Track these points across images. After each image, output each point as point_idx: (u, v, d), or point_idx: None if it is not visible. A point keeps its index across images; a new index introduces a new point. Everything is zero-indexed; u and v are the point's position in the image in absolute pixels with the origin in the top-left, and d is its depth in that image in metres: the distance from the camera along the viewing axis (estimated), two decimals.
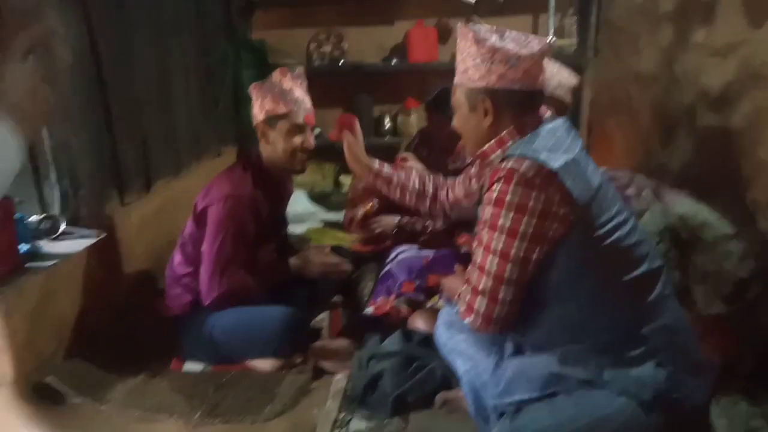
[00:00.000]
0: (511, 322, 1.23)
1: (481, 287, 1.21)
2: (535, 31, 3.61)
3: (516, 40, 1.25)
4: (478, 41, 1.22)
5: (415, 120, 3.61)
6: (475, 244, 1.26)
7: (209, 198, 1.80)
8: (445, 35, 3.69)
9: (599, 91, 3.10)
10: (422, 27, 3.57)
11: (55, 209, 1.99)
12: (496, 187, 1.17)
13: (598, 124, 3.13)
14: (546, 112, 1.33)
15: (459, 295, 1.30)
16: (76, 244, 1.92)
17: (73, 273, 1.90)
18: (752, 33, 1.67)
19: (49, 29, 0.71)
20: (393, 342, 1.65)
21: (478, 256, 1.22)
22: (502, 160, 1.21)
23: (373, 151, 3.42)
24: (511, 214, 1.15)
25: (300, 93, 1.86)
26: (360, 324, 1.95)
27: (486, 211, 1.20)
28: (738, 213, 1.66)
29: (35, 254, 1.80)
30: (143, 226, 2.33)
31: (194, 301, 1.82)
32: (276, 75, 1.86)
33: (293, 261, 1.94)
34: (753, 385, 1.48)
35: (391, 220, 2.39)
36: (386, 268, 2.17)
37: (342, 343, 1.87)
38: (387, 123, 3.62)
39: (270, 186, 1.91)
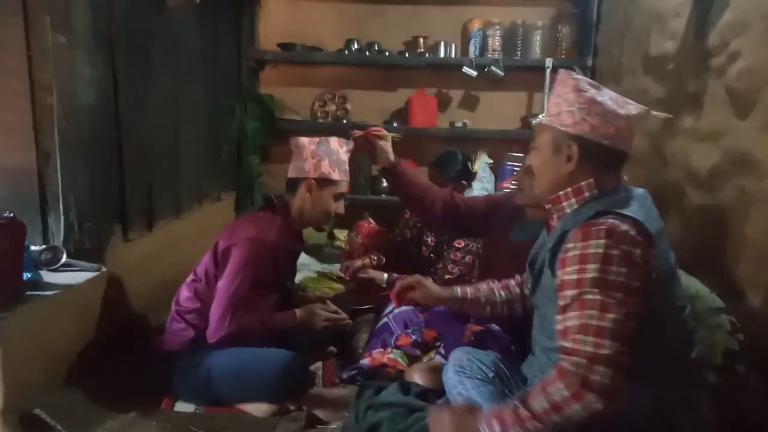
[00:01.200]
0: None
1: (605, 353, 1.06)
2: (529, 107, 3.83)
3: (614, 99, 1.26)
4: (579, 90, 1.24)
5: None
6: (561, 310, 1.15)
7: (235, 238, 1.85)
8: (444, 104, 3.88)
9: None
10: (424, 95, 3.75)
11: (58, 240, 2.01)
12: (597, 242, 1.11)
13: None
14: (625, 177, 1.31)
15: (550, 383, 1.10)
16: (76, 276, 1.93)
17: (71, 305, 1.89)
18: (736, 123, 1.82)
19: None
20: (391, 393, 1.66)
21: (593, 319, 1.08)
22: (597, 215, 1.17)
23: (370, 208, 3.56)
24: (624, 270, 1.09)
25: (347, 166, 2.01)
26: (355, 375, 1.95)
27: (587, 269, 1.11)
28: (725, 288, 1.75)
29: (36, 283, 1.80)
30: (143, 264, 2.35)
31: (196, 338, 1.82)
32: (334, 143, 1.99)
33: (300, 312, 1.96)
34: None
35: (379, 276, 2.44)
36: (383, 321, 2.20)
37: (339, 392, 1.87)
38: (384, 182, 3.73)
39: (292, 237, 2.00)
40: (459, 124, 3.73)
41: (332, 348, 2.18)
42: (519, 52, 3.68)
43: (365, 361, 1.98)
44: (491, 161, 3.71)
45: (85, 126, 2.00)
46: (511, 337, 1.88)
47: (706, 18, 2.05)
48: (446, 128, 3.74)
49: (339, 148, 1.97)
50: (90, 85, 2.02)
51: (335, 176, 1.95)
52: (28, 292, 1.74)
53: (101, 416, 1.71)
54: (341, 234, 3.78)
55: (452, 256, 2.55)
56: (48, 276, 1.86)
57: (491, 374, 1.54)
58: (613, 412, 1.06)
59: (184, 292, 1.92)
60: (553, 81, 3.43)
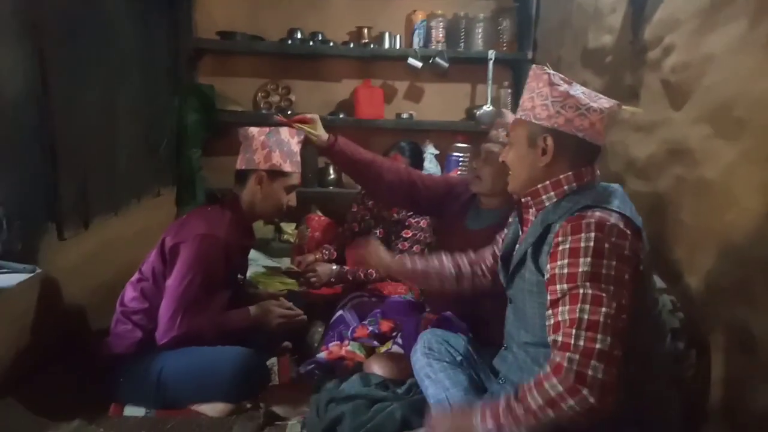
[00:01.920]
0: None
1: (599, 347, 1.06)
2: (473, 98, 3.90)
3: (586, 93, 1.29)
4: (552, 84, 1.26)
5: None
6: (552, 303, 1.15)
7: (184, 234, 1.77)
8: (390, 95, 3.89)
9: None
10: (369, 86, 3.74)
11: None
12: (587, 235, 1.12)
13: None
14: (598, 171, 1.33)
15: (545, 379, 1.09)
16: (6, 279, 1.79)
17: (2, 310, 1.76)
18: (671, 114, 1.93)
19: None
20: (352, 385, 1.65)
21: (584, 314, 1.09)
22: (584, 208, 1.17)
23: (317, 200, 3.52)
24: (614, 263, 1.10)
25: (299, 157, 1.97)
26: (313, 369, 1.93)
27: (578, 263, 1.11)
28: (665, 270, 1.85)
29: None
30: (80, 264, 2.22)
31: (143, 340, 1.74)
32: (285, 133, 1.93)
33: (254, 310, 1.92)
34: None
35: (327, 268, 2.43)
36: (338, 314, 2.19)
37: (296, 387, 1.85)
38: (332, 173, 3.69)
39: (242, 231, 1.94)
40: (405, 116, 3.74)
41: (287, 343, 2.15)
42: (462, 44, 3.73)
43: (322, 355, 1.96)
44: (437, 152, 3.75)
45: (10, 119, 1.85)
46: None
47: (641, 13, 2.15)
48: (392, 119, 3.74)
49: (290, 139, 1.92)
50: (15, 75, 1.87)
51: (287, 168, 1.90)
52: None
53: (40, 427, 1.61)
54: (288, 227, 3.71)
55: (400, 246, 2.57)
56: None
57: (459, 357, 1.56)
58: (608, 407, 1.06)
59: (130, 292, 1.83)
60: (494, 73, 3.55)
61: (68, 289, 2.10)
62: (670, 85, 1.93)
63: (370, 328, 2.02)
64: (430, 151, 3.74)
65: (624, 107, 1.33)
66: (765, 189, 1.46)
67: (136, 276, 1.86)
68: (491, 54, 3.56)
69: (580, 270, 1.11)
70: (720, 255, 1.64)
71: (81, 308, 2.17)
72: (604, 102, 1.28)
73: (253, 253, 3.39)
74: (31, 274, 1.86)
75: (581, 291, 1.10)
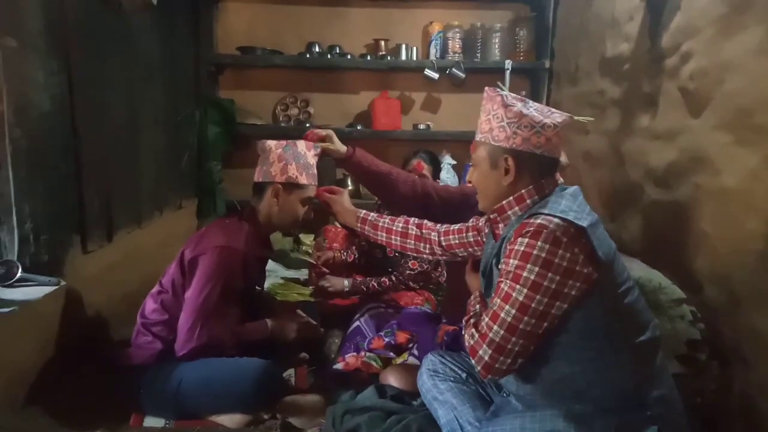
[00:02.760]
0: (511, 371, 1.26)
1: (490, 336, 1.23)
2: None
3: (540, 110, 1.33)
4: (506, 105, 1.30)
5: None
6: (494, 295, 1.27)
7: (203, 246, 1.80)
8: (407, 106, 3.91)
9: None
10: (387, 97, 3.77)
11: (12, 254, 1.92)
12: (523, 240, 1.20)
13: None
14: (560, 177, 1.39)
15: (469, 329, 1.31)
16: (33, 291, 1.85)
17: (28, 321, 1.80)
18: (690, 122, 1.90)
19: None
20: (367, 397, 1.66)
21: (494, 306, 1.24)
22: (530, 216, 1.25)
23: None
24: (537, 269, 1.18)
25: (315, 170, 1.98)
26: (330, 380, 1.93)
27: (509, 264, 1.22)
28: (686, 281, 1.82)
29: None
30: (104, 276, 2.27)
31: (163, 351, 1.77)
32: (302, 146, 1.94)
33: (271, 323, 1.93)
34: None
35: (340, 282, 2.44)
36: (354, 325, 2.20)
37: (313, 398, 1.85)
38: (350, 185, 3.72)
39: (260, 243, 1.96)
40: (422, 126, 3.76)
41: (304, 354, 2.15)
42: (479, 55, 3.74)
43: (339, 366, 1.96)
44: (454, 162, 3.76)
45: (39, 134, 1.91)
46: None
47: (659, 21, 2.13)
48: (410, 130, 3.77)
49: (306, 152, 1.95)
50: (44, 91, 1.93)
51: (302, 180, 1.92)
52: None
53: None
54: (307, 239, 3.74)
55: (410, 265, 2.53)
56: (2, 292, 1.77)
57: (464, 375, 1.57)
58: (494, 379, 1.29)
59: (150, 304, 1.86)
60: (511, 82, 3.55)
61: (92, 300, 2.14)
62: (688, 93, 1.91)
63: (386, 339, 2.01)
64: (447, 161, 3.75)
65: (576, 117, 1.37)
66: None
67: (156, 288, 1.89)
68: (508, 64, 3.56)
69: (507, 269, 1.23)
70: (741, 264, 1.60)
71: (104, 319, 2.21)
72: (557, 116, 1.32)
73: (271, 265, 3.44)
74: (56, 287, 1.92)
75: (501, 286, 1.24)
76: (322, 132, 2.02)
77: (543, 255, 1.17)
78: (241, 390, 1.71)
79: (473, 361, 1.27)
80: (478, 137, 1.39)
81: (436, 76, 3.59)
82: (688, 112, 1.91)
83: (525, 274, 1.19)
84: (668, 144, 2.03)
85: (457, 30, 3.73)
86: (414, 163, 2.56)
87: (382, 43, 3.75)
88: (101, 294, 2.23)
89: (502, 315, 1.22)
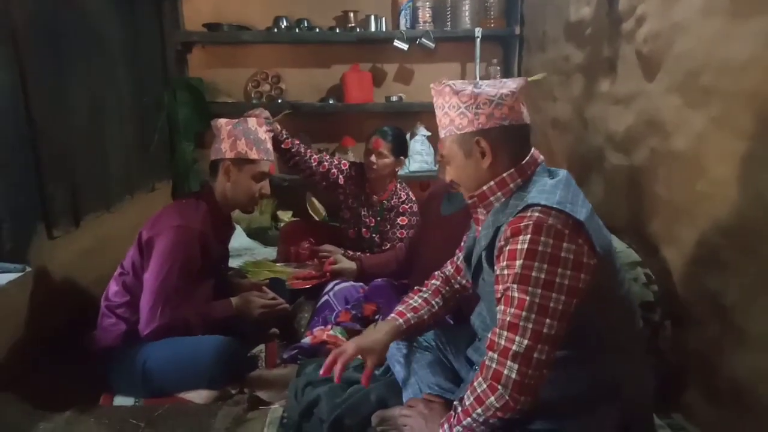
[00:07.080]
0: (539, 389, 1.12)
1: (513, 349, 1.10)
2: (463, 77, 3.87)
3: (492, 84, 1.29)
4: (457, 92, 1.27)
5: (351, 158, 3.73)
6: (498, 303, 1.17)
7: (158, 227, 1.81)
8: (379, 79, 3.87)
9: None
10: (358, 70, 3.73)
11: None
12: (524, 237, 1.12)
13: None
14: (540, 156, 1.33)
15: (480, 373, 1.16)
16: None
17: None
18: (645, 85, 1.90)
19: None
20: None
21: (507, 317, 1.13)
22: (525, 208, 1.18)
23: (312, 188, 3.54)
24: (545, 266, 1.10)
25: (269, 145, 1.98)
26: (297, 354, 1.97)
27: (514, 266, 1.12)
28: (643, 244, 1.85)
29: None
30: (74, 261, 2.27)
31: (128, 332, 1.79)
32: (252, 122, 1.95)
33: (235, 301, 1.95)
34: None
35: (350, 267, 2.42)
36: (323, 299, 2.22)
37: (281, 372, 1.89)
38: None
39: (218, 221, 1.96)
40: (394, 98, 3.73)
41: (275, 330, 2.18)
42: (449, 23, 3.70)
43: (306, 340, 2.00)
44: (429, 133, 3.75)
45: None
46: None
47: None
48: (382, 103, 3.74)
49: (257, 127, 1.93)
50: None
51: (253, 155, 1.91)
52: None
53: (35, 418, 1.67)
54: (285, 215, 3.76)
55: (398, 234, 2.64)
56: None
57: (426, 344, 1.61)
58: (522, 405, 1.11)
59: (113, 287, 1.88)
60: (483, 50, 3.52)
61: (61, 285, 2.15)
62: (643, 56, 1.91)
63: (353, 312, 2.05)
64: (421, 132, 3.74)
65: (529, 79, 1.34)
66: (733, 157, 1.45)
67: (118, 270, 1.91)
68: (478, 32, 3.52)
69: (513, 272, 1.13)
70: (693, 225, 1.63)
71: (74, 304, 2.22)
72: (511, 84, 1.29)
73: (248, 242, 3.46)
74: (22, 273, 1.93)
75: (510, 293, 1.14)
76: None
77: (549, 250, 1.10)
78: (203, 366, 1.74)
79: (498, 393, 1.11)
80: (442, 134, 1.35)
81: (405, 46, 3.55)
82: (643, 76, 1.92)
83: (534, 273, 1.10)
84: (627, 109, 2.04)
85: None
86: (372, 140, 2.56)
87: (351, 14, 3.69)
88: (72, 279, 2.23)
89: (521, 323, 1.11)
